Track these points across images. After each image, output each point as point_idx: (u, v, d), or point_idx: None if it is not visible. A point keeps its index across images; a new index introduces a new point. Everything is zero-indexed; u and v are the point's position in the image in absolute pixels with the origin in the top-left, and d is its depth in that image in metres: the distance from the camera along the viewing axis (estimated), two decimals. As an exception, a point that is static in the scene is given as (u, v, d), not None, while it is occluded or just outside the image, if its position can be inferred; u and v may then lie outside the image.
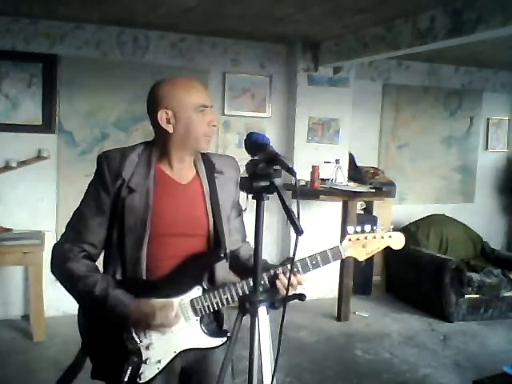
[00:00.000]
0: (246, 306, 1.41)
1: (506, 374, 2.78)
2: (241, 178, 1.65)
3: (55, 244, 1.64)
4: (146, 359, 1.56)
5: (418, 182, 5.79)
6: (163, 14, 3.85)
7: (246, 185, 1.33)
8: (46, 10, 3.91)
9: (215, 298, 1.59)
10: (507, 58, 5.15)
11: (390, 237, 1.74)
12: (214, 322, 1.68)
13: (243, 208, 1.71)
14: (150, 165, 1.61)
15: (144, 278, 1.58)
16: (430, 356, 3.90)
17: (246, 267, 1.73)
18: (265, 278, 1.62)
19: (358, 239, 1.70)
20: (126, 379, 1.54)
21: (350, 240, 1.70)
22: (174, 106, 1.58)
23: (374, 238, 1.71)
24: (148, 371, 1.57)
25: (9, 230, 4.09)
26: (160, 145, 1.64)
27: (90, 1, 3.60)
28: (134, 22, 4.25)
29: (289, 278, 1.45)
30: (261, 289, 1.49)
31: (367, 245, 1.71)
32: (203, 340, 1.61)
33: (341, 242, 1.69)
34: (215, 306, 1.59)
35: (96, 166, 1.61)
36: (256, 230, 1.33)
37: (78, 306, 1.66)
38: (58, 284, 1.58)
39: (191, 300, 1.59)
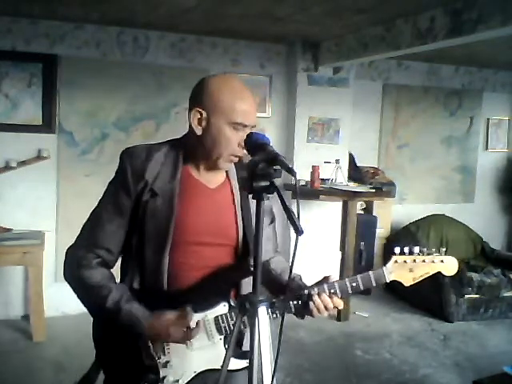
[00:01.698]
0: (246, 305, 1.37)
1: (506, 374, 2.78)
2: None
3: (68, 248, 1.52)
4: (163, 377, 1.45)
5: (418, 182, 5.78)
6: (163, 14, 3.85)
7: (245, 185, 1.32)
8: (46, 10, 3.91)
9: None
10: (507, 58, 5.15)
11: (442, 261, 1.57)
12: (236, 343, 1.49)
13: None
14: (176, 166, 1.48)
15: (165, 288, 1.47)
16: (430, 356, 3.90)
17: (278, 282, 1.60)
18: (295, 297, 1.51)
19: (405, 262, 1.55)
20: None
21: (395, 262, 1.54)
22: (210, 109, 1.45)
23: (424, 261, 1.55)
24: None
25: (9, 230, 4.09)
26: (189, 144, 1.51)
27: (90, 1, 3.60)
28: (134, 22, 4.25)
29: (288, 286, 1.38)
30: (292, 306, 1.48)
31: (415, 269, 1.55)
32: None
33: (385, 264, 1.55)
34: (241, 325, 1.42)
35: (118, 164, 1.48)
36: (256, 230, 1.33)
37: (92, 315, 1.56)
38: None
39: (215, 317, 1.48)
